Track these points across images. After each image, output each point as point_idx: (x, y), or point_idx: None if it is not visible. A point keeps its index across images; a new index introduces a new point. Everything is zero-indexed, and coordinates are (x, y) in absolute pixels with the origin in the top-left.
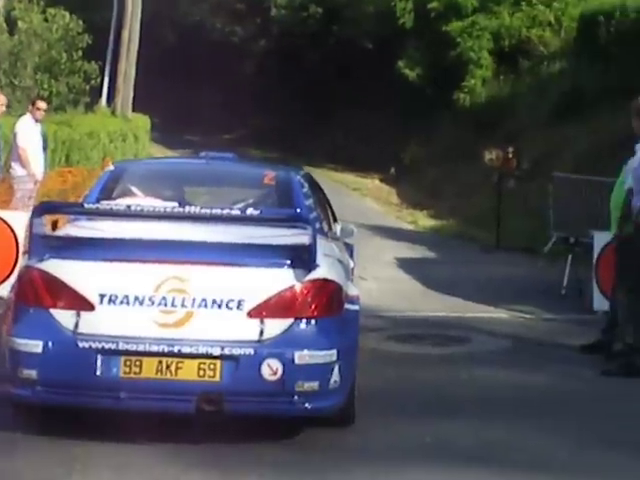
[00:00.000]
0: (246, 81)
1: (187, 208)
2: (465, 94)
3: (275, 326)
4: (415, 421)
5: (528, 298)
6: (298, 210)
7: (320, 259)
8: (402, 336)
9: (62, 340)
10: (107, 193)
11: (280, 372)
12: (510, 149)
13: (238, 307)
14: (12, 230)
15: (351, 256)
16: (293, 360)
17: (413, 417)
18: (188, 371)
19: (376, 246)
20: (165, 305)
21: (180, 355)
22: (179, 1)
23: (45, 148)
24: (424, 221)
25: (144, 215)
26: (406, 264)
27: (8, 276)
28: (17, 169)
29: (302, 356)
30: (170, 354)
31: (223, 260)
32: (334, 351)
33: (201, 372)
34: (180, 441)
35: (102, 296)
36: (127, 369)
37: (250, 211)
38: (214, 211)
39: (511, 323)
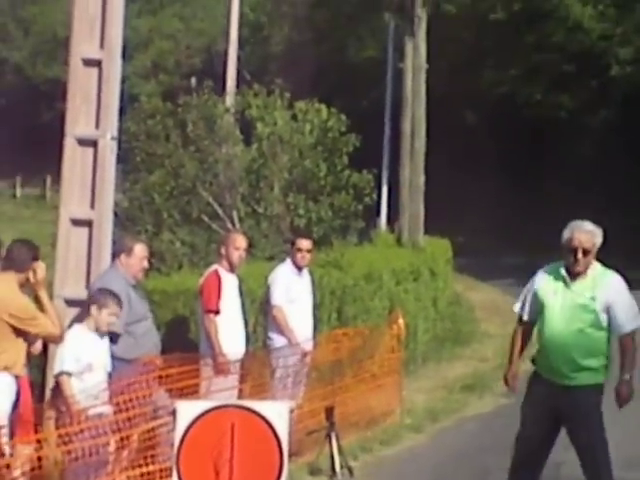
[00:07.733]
0: (582, 167)
1: None
2: None
3: None
4: None
5: None
6: None
7: None
8: None
9: None
10: None
11: None
12: None
13: None
14: (271, 426)
15: None
16: None
17: None
18: None
19: None
20: None
21: None
22: (481, 69)
23: (316, 306)
24: None
25: None
26: None
27: None
28: (275, 338)
29: None
30: None
31: None
32: None
33: None
34: None
35: None
36: None
37: None
38: None
39: None
